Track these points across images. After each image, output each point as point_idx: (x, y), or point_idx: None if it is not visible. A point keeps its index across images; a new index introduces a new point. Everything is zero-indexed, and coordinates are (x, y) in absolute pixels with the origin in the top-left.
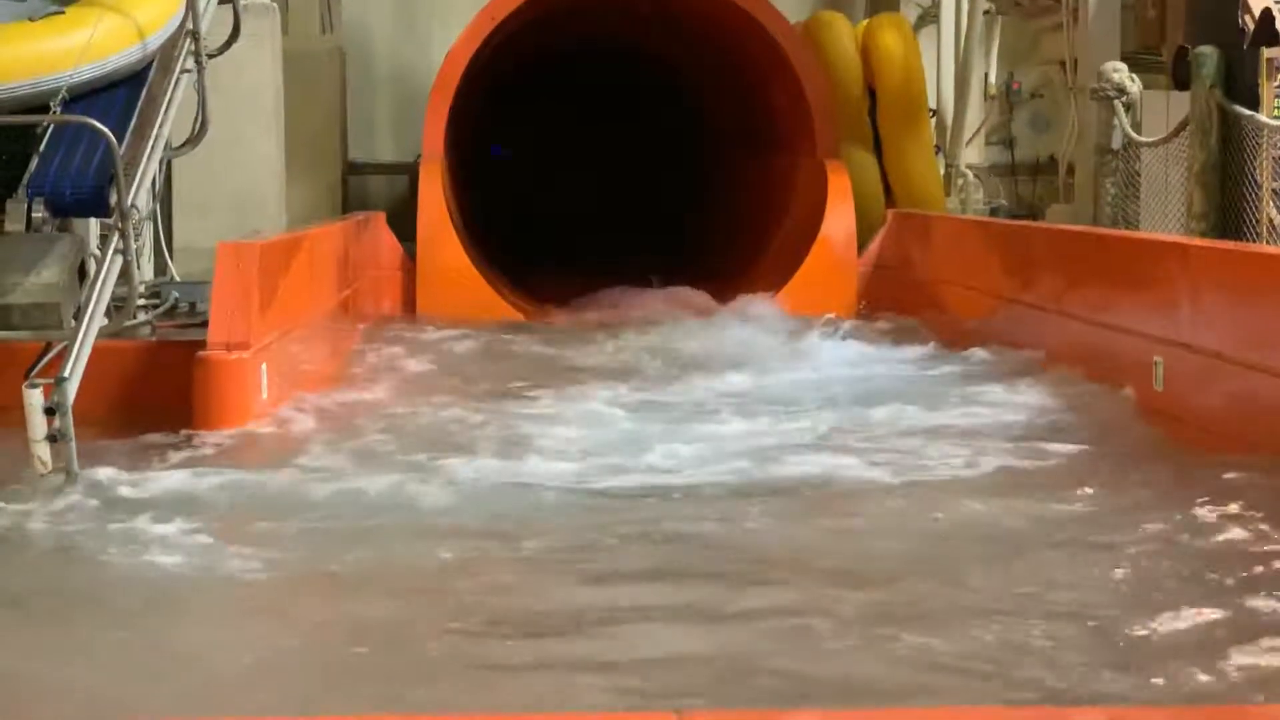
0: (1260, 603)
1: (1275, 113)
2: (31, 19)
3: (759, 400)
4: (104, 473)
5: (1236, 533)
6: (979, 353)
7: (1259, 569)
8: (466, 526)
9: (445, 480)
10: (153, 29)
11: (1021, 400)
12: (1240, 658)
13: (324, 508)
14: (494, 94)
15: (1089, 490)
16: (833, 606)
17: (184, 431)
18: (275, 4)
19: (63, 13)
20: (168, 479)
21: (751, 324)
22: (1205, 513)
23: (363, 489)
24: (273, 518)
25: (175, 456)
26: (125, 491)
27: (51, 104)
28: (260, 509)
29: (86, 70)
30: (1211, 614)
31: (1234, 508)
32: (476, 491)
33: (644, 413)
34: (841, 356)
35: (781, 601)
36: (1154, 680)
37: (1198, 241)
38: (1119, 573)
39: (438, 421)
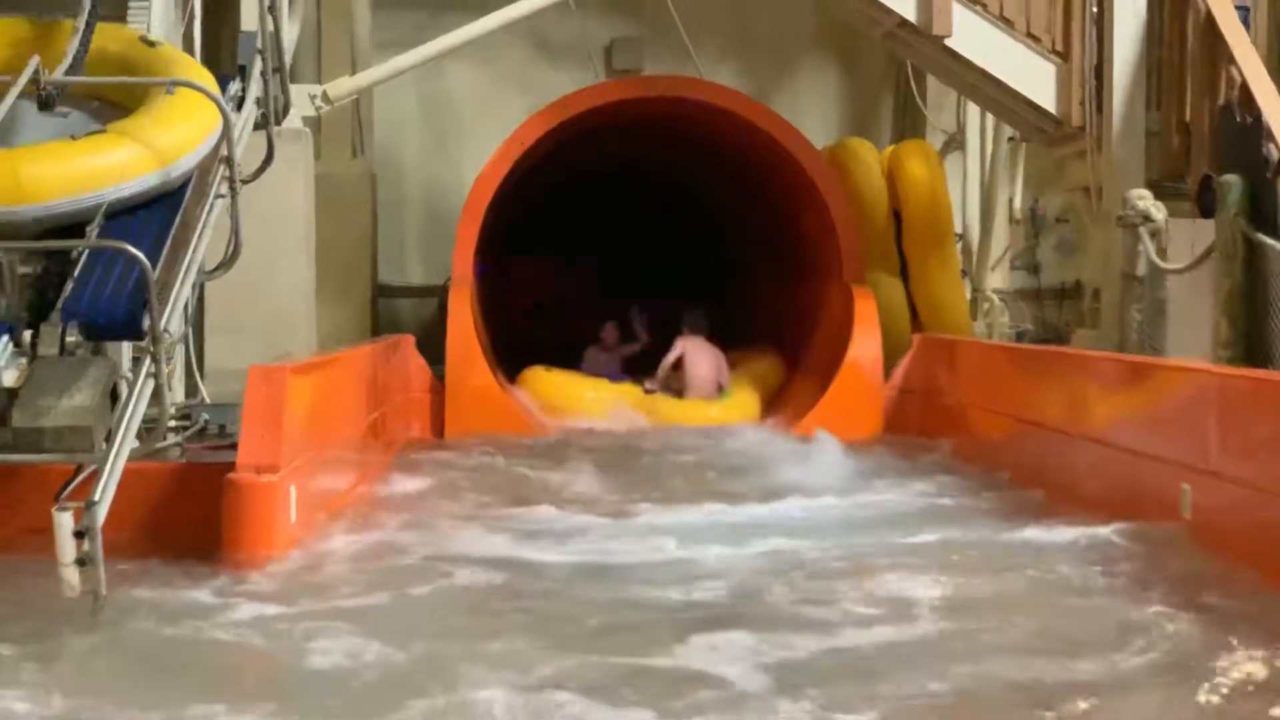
0: None
1: None
2: (74, 137)
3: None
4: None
5: None
6: (1004, 479)
7: None
8: None
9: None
10: (192, 145)
11: (1051, 533)
12: None
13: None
14: (524, 213)
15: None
16: None
17: (210, 563)
18: (308, 129)
19: (104, 131)
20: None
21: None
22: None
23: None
24: None
25: (196, 593)
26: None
27: (88, 229)
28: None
29: (128, 187)
30: None
31: None
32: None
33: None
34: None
35: None
36: None
37: (1225, 369)
38: None
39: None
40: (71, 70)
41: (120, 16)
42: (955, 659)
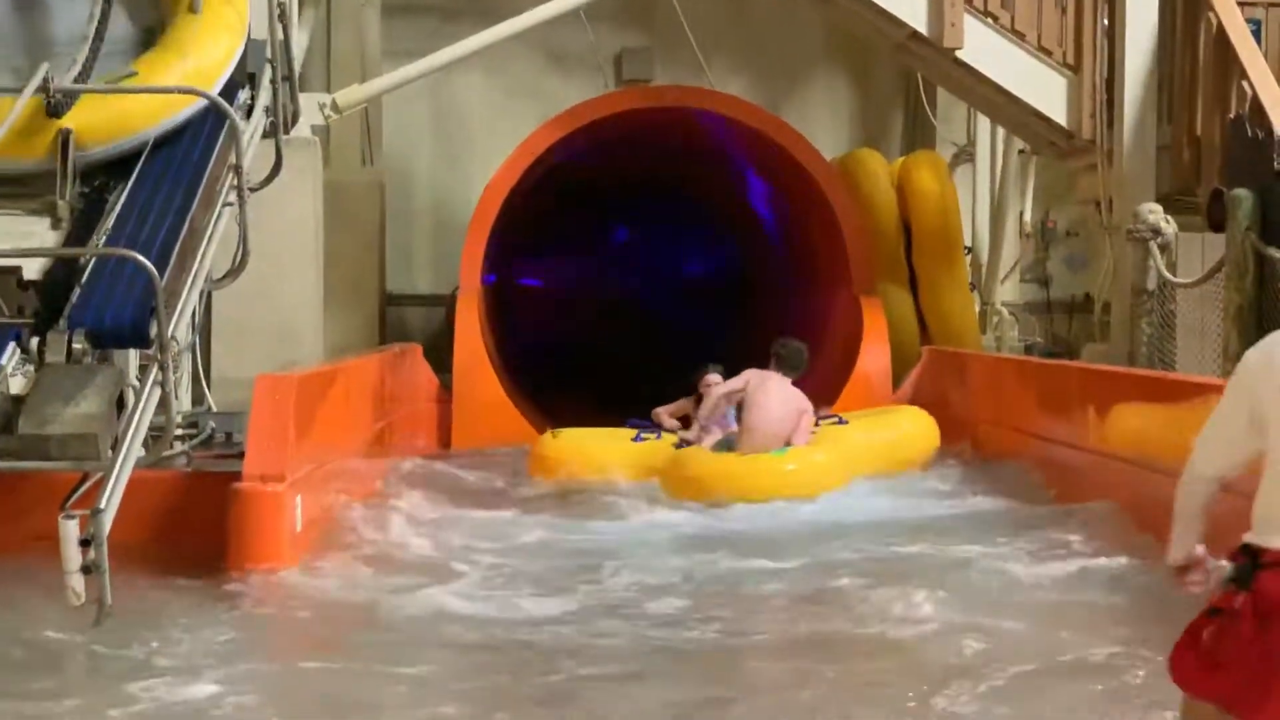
0: None
1: None
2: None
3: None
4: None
5: None
6: (1012, 491)
7: None
8: None
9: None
10: (220, 69)
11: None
12: None
13: None
14: (533, 224)
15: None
16: None
17: (214, 573)
18: (317, 138)
19: (135, 74)
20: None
21: None
22: None
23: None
24: None
25: (201, 600)
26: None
27: (105, 214)
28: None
29: (166, 123)
30: None
31: None
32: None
33: None
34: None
35: None
36: None
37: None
38: None
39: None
40: (81, 74)
41: None
42: None
